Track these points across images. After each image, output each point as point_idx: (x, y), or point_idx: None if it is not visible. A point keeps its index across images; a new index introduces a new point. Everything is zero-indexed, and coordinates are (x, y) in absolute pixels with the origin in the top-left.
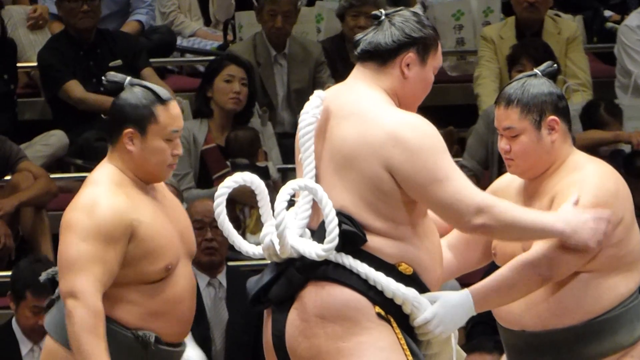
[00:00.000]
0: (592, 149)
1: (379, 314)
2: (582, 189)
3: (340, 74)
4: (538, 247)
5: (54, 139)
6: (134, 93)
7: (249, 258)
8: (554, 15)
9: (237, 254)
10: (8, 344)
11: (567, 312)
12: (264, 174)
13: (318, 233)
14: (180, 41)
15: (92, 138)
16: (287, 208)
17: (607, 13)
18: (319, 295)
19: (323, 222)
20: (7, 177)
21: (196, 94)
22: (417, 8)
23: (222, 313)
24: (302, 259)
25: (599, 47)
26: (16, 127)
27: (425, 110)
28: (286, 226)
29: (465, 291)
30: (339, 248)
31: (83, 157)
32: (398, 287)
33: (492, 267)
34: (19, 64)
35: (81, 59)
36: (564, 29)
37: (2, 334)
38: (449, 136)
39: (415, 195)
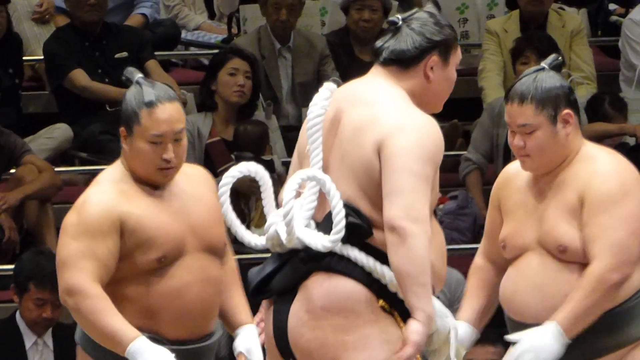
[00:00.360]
0: (596, 141)
1: (382, 307)
2: (605, 180)
3: (344, 67)
4: (600, 257)
5: (59, 132)
6: (131, 92)
7: (252, 251)
8: (558, 8)
9: (240, 247)
10: (12, 337)
11: None
12: (269, 167)
13: (323, 224)
14: (184, 34)
15: (96, 131)
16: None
17: (612, 6)
18: (324, 287)
19: (328, 214)
20: (12, 171)
21: (200, 87)
22: (430, 7)
23: None
24: (306, 249)
25: (603, 41)
26: (21, 120)
27: None
28: (294, 216)
29: (553, 324)
30: (345, 240)
31: (87, 150)
32: None
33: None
34: (23, 57)
35: (87, 49)
36: (568, 22)
37: (6, 327)
38: (453, 129)
39: (383, 174)
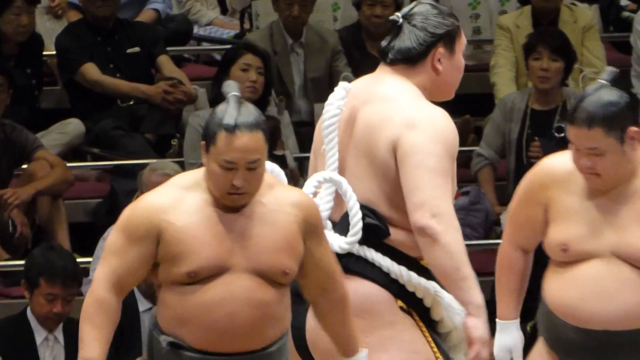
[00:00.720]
0: None
1: (401, 308)
2: None
3: (357, 63)
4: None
5: (71, 128)
6: (219, 108)
7: None
8: (570, 4)
9: None
10: (23, 333)
11: None
12: (281, 162)
13: (340, 225)
14: (196, 30)
15: (109, 126)
16: None
17: (624, 2)
18: None
19: (345, 215)
20: (24, 166)
21: (212, 82)
22: None
23: None
24: None
25: (615, 36)
26: (33, 116)
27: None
28: None
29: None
30: (362, 241)
31: (100, 145)
32: (419, 281)
33: None
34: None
35: (99, 44)
36: (580, 17)
37: (17, 323)
38: (465, 125)
39: (401, 173)
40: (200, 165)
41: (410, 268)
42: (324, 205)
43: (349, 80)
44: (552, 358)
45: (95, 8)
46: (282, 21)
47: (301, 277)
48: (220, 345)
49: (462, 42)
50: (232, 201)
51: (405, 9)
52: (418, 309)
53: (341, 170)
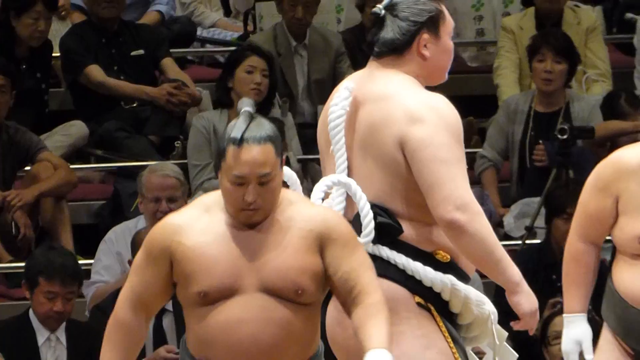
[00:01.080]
0: (611, 139)
1: (419, 304)
2: None
3: (360, 65)
4: None
5: (74, 129)
6: (231, 124)
7: None
8: (573, 5)
9: None
10: (25, 333)
11: None
12: (285, 163)
13: (353, 225)
14: (200, 32)
15: (112, 128)
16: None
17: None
18: None
19: (357, 215)
20: (27, 168)
21: (216, 84)
22: None
23: None
24: None
25: (619, 38)
26: (41, 119)
27: None
28: None
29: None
30: (376, 240)
31: (103, 147)
32: (436, 276)
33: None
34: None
35: (103, 46)
36: (584, 19)
37: (19, 324)
38: (469, 126)
39: (415, 169)
40: (204, 167)
41: (425, 263)
42: (336, 207)
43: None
44: (622, 349)
45: (101, 9)
46: (286, 23)
47: (332, 289)
48: None
49: (448, 25)
50: (246, 217)
51: (386, 1)
52: (436, 303)
53: (349, 172)
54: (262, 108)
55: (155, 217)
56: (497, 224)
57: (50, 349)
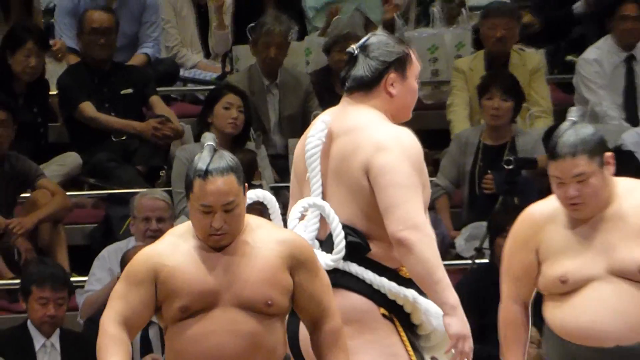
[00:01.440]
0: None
1: (383, 315)
2: None
3: (326, 102)
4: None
5: (69, 160)
6: (196, 157)
7: None
8: (519, 49)
9: None
10: (23, 340)
11: None
12: None
13: (326, 243)
14: (182, 72)
15: (104, 159)
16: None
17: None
18: None
19: (330, 235)
20: (27, 195)
21: (197, 119)
22: (380, 31)
23: None
24: None
25: (560, 78)
26: (39, 150)
27: None
28: None
29: None
30: (346, 257)
31: (95, 176)
32: (399, 290)
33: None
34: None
35: (96, 85)
36: (528, 61)
37: (18, 332)
38: (424, 158)
39: (376, 193)
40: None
41: (390, 279)
42: (311, 227)
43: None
44: None
45: (94, 51)
46: (260, 63)
47: (297, 309)
48: None
49: (414, 67)
50: (214, 242)
51: (360, 41)
52: (399, 315)
53: (323, 196)
54: (238, 141)
55: (145, 235)
56: (450, 246)
57: (46, 355)
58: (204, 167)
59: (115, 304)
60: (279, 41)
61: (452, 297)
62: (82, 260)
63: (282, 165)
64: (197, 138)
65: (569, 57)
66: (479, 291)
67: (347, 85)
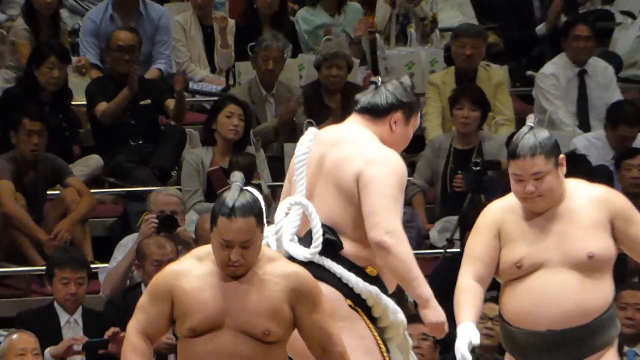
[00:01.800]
0: None
1: (350, 306)
2: (619, 196)
3: (317, 112)
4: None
5: (92, 161)
6: (222, 195)
7: None
8: (485, 65)
9: None
10: (51, 318)
11: (589, 312)
12: (257, 189)
13: (305, 239)
14: (191, 85)
15: (122, 160)
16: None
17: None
18: None
19: (309, 231)
20: (57, 192)
21: (203, 126)
22: (406, 78)
23: None
24: (291, 259)
25: (521, 90)
26: (65, 152)
27: None
28: (283, 232)
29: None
30: (321, 252)
31: (115, 176)
32: (364, 285)
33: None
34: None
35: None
36: (493, 76)
37: (46, 311)
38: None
39: (362, 198)
40: (194, 192)
41: (357, 275)
42: (293, 223)
43: (311, 125)
44: None
45: (120, 66)
46: (259, 75)
47: (302, 338)
48: None
49: (416, 121)
50: (230, 272)
51: (385, 78)
52: (362, 307)
53: (310, 196)
54: (240, 145)
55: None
56: (425, 237)
57: (70, 330)
58: (228, 209)
59: (138, 315)
60: (277, 55)
61: (427, 291)
62: (104, 250)
63: (277, 166)
64: (203, 142)
65: (529, 72)
66: (450, 277)
67: (360, 106)
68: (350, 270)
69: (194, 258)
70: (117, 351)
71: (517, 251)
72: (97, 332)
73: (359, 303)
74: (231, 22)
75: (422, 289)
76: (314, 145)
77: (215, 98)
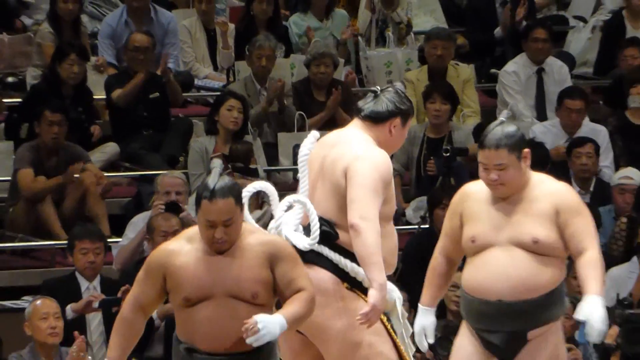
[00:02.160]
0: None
1: (347, 288)
2: (570, 193)
3: (306, 105)
4: (592, 246)
5: (109, 149)
6: (204, 180)
7: None
8: (454, 64)
9: None
10: (72, 286)
11: (537, 287)
12: (254, 173)
13: (305, 230)
14: (196, 81)
15: (137, 147)
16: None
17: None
18: None
19: (309, 224)
20: (77, 175)
21: (207, 118)
22: (399, 85)
23: None
24: (294, 248)
25: (486, 86)
26: (85, 142)
27: None
28: (284, 225)
29: (597, 296)
30: (319, 242)
31: (130, 161)
32: (359, 269)
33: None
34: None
35: None
36: (462, 73)
37: (68, 279)
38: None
39: (347, 189)
40: (199, 176)
41: (352, 261)
42: (297, 215)
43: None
44: (470, 329)
45: (136, 65)
46: (253, 71)
47: (279, 296)
48: (218, 347)
49: (409, 125)
50: (216, 248)
51: (383, 87)
52: (359, 288)
53: (312, 191)
54: (239, 134)
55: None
56: (401, 215)
57: (89, 295)
58: (208, 192)
59: (135, 289)
60: (269, 54)
61: (382, 277)
62: (119, 226)
63: (271, 153)
64: (207, 132)
65: (493, 70)
66: (421, 249)
67: (363, 113)
68: (345, 257)
69: (184, 238)
70: None
71: (473, 228)
72: (113, 296)
73: (355, 285)
74: (231, 26)
75: (379, 274)
76: (318, 147)
77: (217, 93)
